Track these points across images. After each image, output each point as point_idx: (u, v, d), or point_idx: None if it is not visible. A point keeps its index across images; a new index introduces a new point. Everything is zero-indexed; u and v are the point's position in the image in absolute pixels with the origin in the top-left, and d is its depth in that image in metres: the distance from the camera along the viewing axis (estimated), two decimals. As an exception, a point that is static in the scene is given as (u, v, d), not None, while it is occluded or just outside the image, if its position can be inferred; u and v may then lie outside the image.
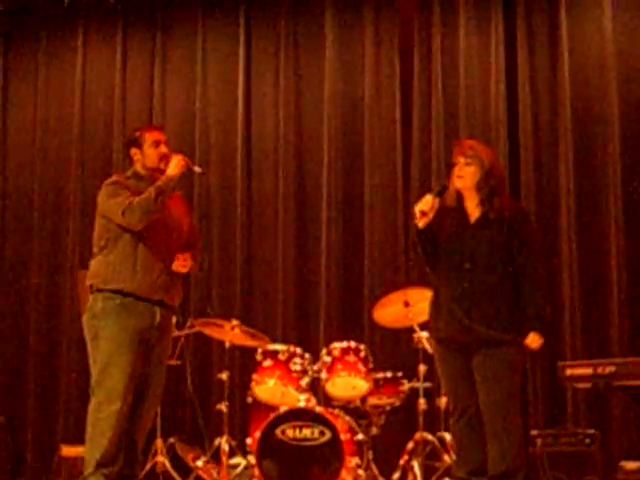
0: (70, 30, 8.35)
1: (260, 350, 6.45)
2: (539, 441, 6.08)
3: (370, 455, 6.22)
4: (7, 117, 8.43)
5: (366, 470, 6.13)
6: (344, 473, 5.89)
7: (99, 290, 4.97)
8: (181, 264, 5.07)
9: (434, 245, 4.74)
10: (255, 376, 6.38)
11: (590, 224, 7.16)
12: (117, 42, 8.26)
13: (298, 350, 6.43)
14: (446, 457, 6.17)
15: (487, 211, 4.68)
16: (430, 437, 6.30)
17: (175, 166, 5.05)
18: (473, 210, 4.74)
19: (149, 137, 5.15)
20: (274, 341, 6.69)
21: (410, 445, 6.30)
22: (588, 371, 6.05)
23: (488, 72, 7.49)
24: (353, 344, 6.38)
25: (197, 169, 5.35)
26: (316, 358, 6.44)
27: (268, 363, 6.37)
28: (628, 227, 7.05)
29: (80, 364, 7.66)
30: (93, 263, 5.07)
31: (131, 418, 4.94)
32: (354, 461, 6.02)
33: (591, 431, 6.10)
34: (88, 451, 4.88)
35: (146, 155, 5.13)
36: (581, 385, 6.19)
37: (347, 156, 7.77)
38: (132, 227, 4.95)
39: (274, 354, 6.38)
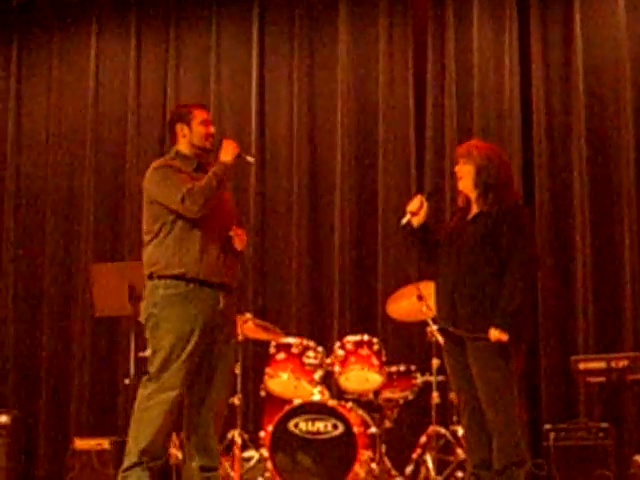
0: (84, 23, 8.34)
1: (273, 343, 6.45)
2: (552, 435, 6.09)
3: (383, 448, 6.22)
4: (21, 111, 8.42)
5: (379, 463, 6.14)
6: (357, 466, 5.91)
7: (160, 277, 4.78)
8: (240, 240, 4.94)
9: (432, 243, 4.80)
10: (268, 369, 6.38)
11: (604, 219, 7.15)
12: (131, 35, 8.26)
13: (311, 343, 6.43)
14: (459, 451, 6.17)
15: (482, 207, 4.70)
16: (443, 431, 6.29)
17: (229, 152, 4.91)
18: (474, 207, 4.76)
19: (199, 114, 4.98)
20: (288, 334, 6.69)
21: (423, 439, 6.29)
22: (601, 365, 6.09)
23: (502, 65, 7.47)
24: (366, 337, 6.38)
25: (250, 159, 5.13)
26: (329, 351, 6.44)
27: (281, 356, 6.37)
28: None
29: (93, 358, 7.73)
30: (148, 251, 4.87)
31: (201, 408, 4.83)
32: (367, 454, 6.03)
33: (604, 425, 6.11)
34: (132, 440, 4.73)
35: (195, 133, 4.96)
36: (594, 379, 6.21)
37: (360, 149, 7.76)
38: (191, 214, 4.76)
39: (287, 347, 6.38)
